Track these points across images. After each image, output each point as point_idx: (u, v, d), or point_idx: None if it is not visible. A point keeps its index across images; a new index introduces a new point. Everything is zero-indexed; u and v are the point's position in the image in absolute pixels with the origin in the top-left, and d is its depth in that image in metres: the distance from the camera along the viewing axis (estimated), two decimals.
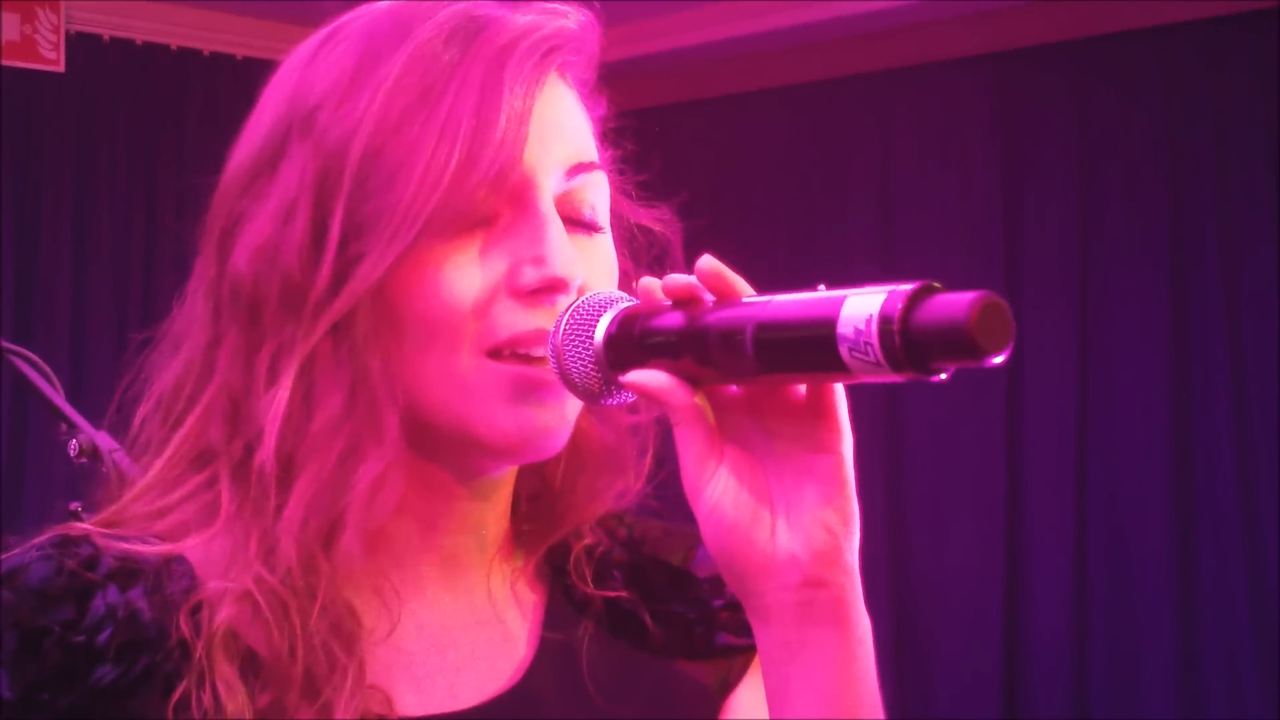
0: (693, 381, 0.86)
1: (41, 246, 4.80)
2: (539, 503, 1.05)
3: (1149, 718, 4.39)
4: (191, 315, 0.99)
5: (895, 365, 0.76)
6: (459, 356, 0.92)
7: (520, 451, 0.95)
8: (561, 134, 0.95)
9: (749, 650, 1.05)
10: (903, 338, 0.75)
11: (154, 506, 0.96)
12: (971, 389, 4.82)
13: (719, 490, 0.88)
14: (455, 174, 0.90)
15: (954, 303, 0.74)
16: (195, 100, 5.06)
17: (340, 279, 0.91)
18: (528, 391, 0.93)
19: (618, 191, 1.01)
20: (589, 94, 1.00)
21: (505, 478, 1.01)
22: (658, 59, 4.79)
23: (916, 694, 4.83)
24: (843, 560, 0.89)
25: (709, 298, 0.87)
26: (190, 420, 0.96)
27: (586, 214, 0.97)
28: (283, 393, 0.91)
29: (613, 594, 1.04)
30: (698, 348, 0.85)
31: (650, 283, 0.90)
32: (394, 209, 0.90)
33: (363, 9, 0.99)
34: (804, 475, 0.88)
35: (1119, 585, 4.51)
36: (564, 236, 0.93)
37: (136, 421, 1.00)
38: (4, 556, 0.92)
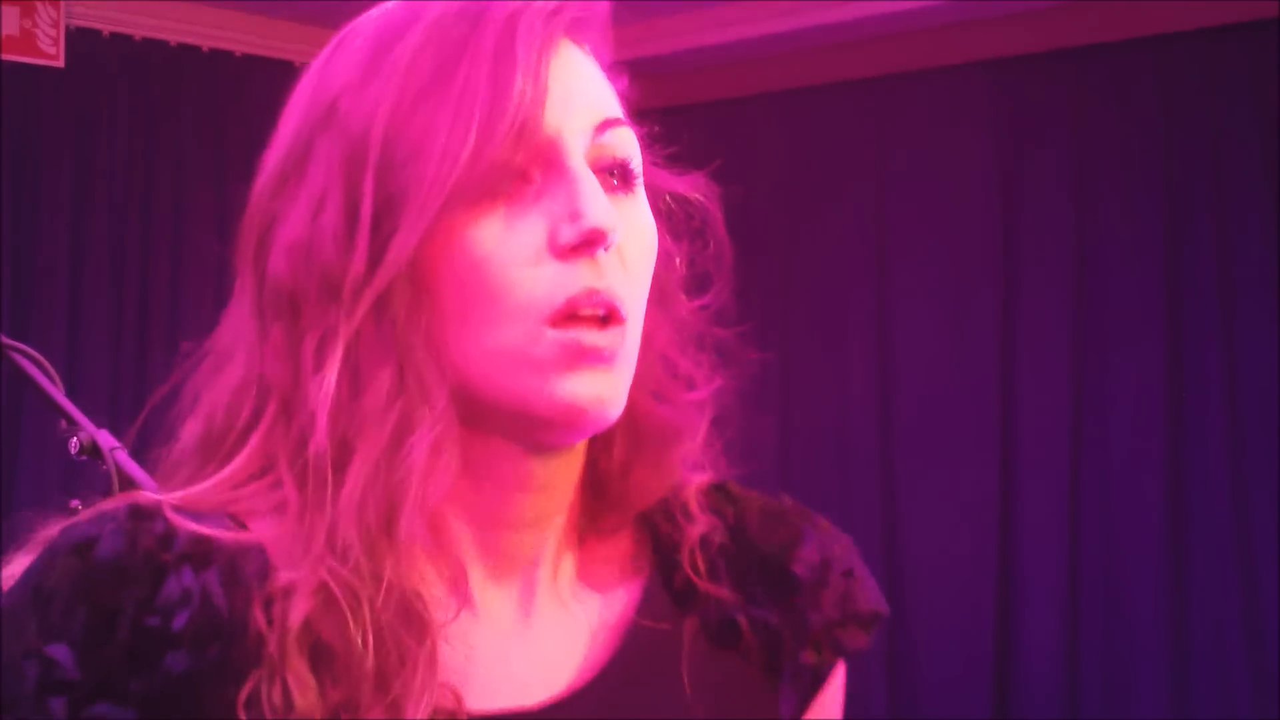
0: None
1: (39, 241, 4.79)
2: (603, 486, 1.02)
3: (1140, 718, 4.40)
4: (237, 329, 0.98)
5: None
6: (513, 326, 0.91)
7: (574, 422, 0.93)
8: (583, 93, 0.95)
9: (831, 669, 1.03)
10: None
11: (224, 497, 0.95)
12: (966, 394, 4.83)
13: None
14: (478, 137, 0.89)
15: None
16: (193, 97, 5.07)
17: (376, 258, 0.90)
18: (579, 359, 0.91)
19: (649, 164, 1.00)
20: (608, 67, 0.99)
21: (562, 466, 0.98)
22: (651, 63, 4.80)
23: (907, 694, 4.84)
24: None
25: None
26: (260, 430, 0.95)
27: (619, 166, 0.95)
28: (330, 376, 0.90)
29: (719, 592, 1.02)
30: None
31: None
32: (421, 180, 0.90)
33: (375, 9, 0.99)
34: None
35: (1111, 587, 4.52)
36: (598, 189, 0.92)
37: (184, 436, 0.99)
38: (72, 523, 0.89)
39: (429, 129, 0.90)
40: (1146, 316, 4.49)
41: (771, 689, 1.02)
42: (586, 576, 1.02)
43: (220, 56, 5.11)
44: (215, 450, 0.97)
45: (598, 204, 0.91)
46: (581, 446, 0.99)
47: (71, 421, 1.93)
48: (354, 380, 0.91)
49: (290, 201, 0.94)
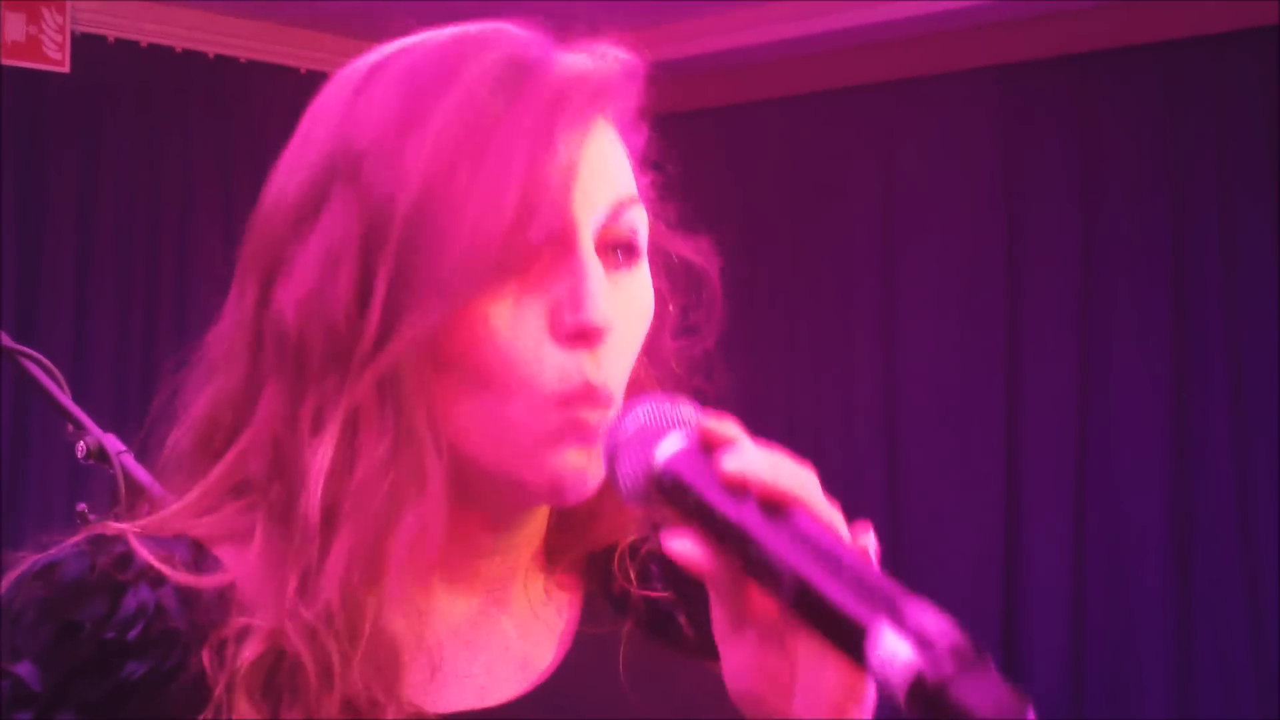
0: (728, 560, 0.88)
1: (45, 246, 4.81)
2: (570, 522, 1.05)
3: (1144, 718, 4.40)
4: (228, 344, 0.98)
5: (908, 712, 0.78)
6: (517, 404, 0.93)
7: (561, 496, 0.96)
8: (605, 177, 0.95)
9: None
10: (924, 707, 0.77)
11: (190, 521, 0.96)
12: (972, 399, 4.83)
13: (741, 652, 0.91)
14: (507, 230, 0.90)
15: (980, 705, 0.76)
16: (199, 102, 5.08)
17: (386, 333, 0.91)
18: (571, 437, 0.94)
19: (656, 218, 1.01)
20: (629, 125, 1.00)
21: (535, 511, 1.02)
22: (660, 68, 4.80)
23: None
24: None
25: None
26: (231, 455, 0.96)
27: (624, 244, 0.97)
28: (327, 444, 0.91)
29: (652, 593, 1.06)
30: (738, 549, 0.86)
31: (713, 435, 0.89)
32: (441, 266, 0.90)
33: (406, 45, 0.98)
34: (825, 659, 0.87)
35: (1116, 589, 4.52)
36: (603, 282, 0.94)
37: (169, 447, 1.00)
38: (40, 555, 0.93)
39: (454, 215, 0.90)
40: (1152, 320, 4.50)
41: (714, 673, 1.03)
42: (550, 591, 1.05)
43: (225, 63, 5.13)
44: (197, 467, 0.99)
45: (599, 298, 0.93)
46: None
47: (78, 425, 1.94)
48: (350, 450, 0.92)
49: (302, 246, 0.94)
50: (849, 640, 0.81)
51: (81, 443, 1.92)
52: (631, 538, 1.07)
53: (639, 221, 0.97)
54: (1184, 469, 4.43)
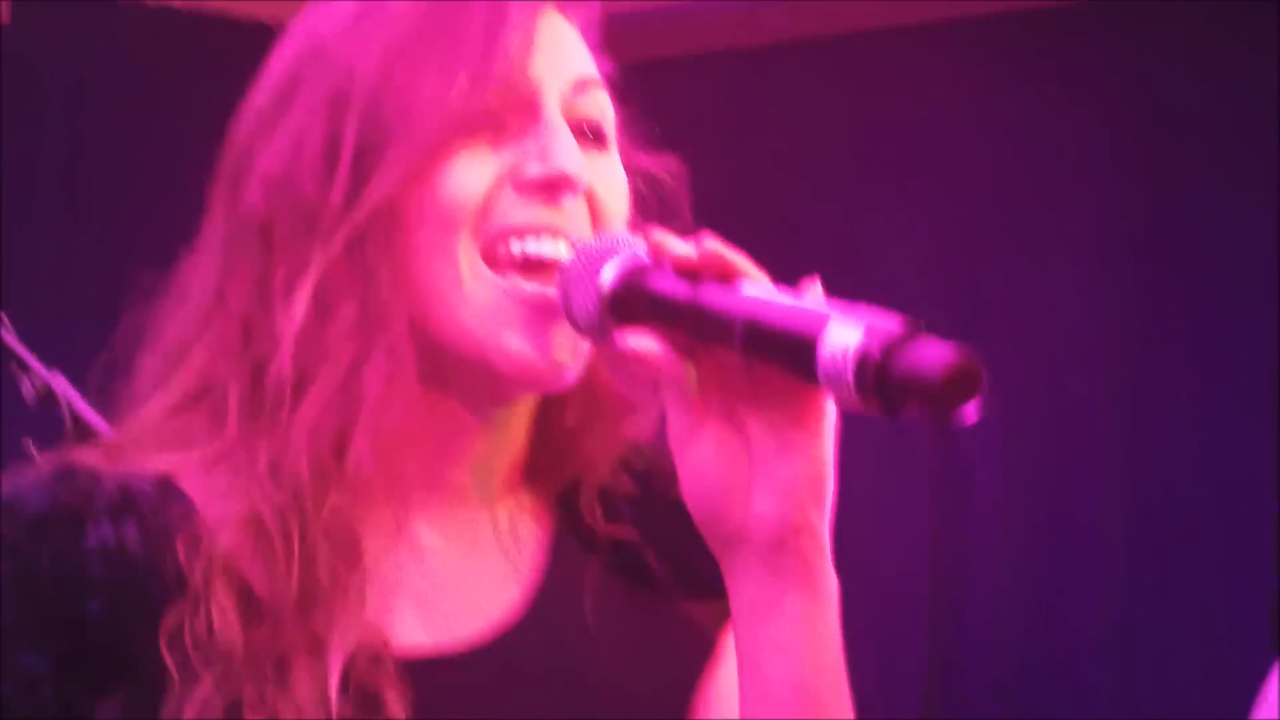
0: (685, 350, 0.90)
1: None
2: (551, 442, 1.06)
3: (1081, 718, 4.37)
4: (199, 264, 1.00)
5: (864, 403, 0.81)
6: (458, 250, 0.95)
7: (532, 379, 0.98)
8: (566, 53, 1.00)
9: None
10: (876, 382, 0.80)
11: (158, 434, 0.97)
12: None
13: (700, 455, 0.92)
14: (465, 85, 0.94)
15: (929, 359, 0.79)
16: (138, 52, 5.03)
17: (355, 193, 0.94)
18: (537, 315, 0.96)
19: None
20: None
21: (517, 413, 1.03)
22: (621, 19, 4.77)
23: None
24: (810, 529, 0.92)
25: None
26: (197, 351, 0.97)
27: (592, 126, 1.00)
28: (299, 305, 0.94)
29: (620, 533, 1.06)
30: (693, 323, 0.89)
31: (661, 240, 0.93)
32: (406, 121, 0.94)
33: None
34: (783, 450, 0.91)
35: (1056, 583, 4.46)
36: (571, 139, 0.97)
37: (142, 369, 1.00)
38: (3, 484, 0.94)
39: (417, 73, 0.95)
40: (1118, 287, 4.47)
41: (694, 615, 1.06)
42: (518, 524, 1.06)
43: (165, 13, 5.08)
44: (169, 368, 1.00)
45: (569, 150, 0.96)
46: (534, 399, 1.04)
47: (23, 364, 1.92)
48: (321, 310, 0.94)
49: (270, 139, 0.98)
50: (802, 357, 0.83)
51: (26, 380, 1.90)
52: (607, 478, 1.07)
53: (605, 107, 1.01)
54: (1138, 461, 4.37)
